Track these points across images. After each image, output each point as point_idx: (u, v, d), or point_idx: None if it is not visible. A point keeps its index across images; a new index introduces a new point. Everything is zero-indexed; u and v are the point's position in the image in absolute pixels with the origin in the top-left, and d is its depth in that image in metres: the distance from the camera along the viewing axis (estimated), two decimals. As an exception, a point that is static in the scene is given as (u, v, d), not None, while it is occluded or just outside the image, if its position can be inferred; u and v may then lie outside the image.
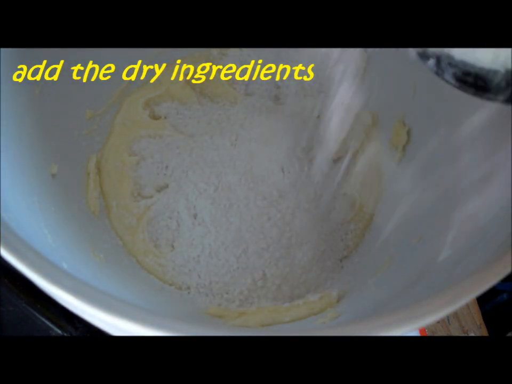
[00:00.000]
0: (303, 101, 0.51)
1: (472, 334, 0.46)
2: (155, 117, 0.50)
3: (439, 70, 0.25)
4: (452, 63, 0.24)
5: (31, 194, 0.35)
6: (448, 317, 0.47)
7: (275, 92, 0.53)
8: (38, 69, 0.38)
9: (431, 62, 0.25)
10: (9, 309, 0.37)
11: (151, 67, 0.50)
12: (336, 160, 0.49)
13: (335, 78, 0.43)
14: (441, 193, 0.39)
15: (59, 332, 0.37)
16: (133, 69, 0.49)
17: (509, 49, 0.22)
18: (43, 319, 0.37)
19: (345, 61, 0.42)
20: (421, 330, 0.46)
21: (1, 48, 0.34)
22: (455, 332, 0.46)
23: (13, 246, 0.24)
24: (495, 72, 0.23)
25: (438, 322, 0.47)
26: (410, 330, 0.22)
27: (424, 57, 0.26)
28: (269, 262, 0.44)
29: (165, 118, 0.50)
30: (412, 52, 0.26)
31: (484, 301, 0.51)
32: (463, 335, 0.46)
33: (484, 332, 0.47)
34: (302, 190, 0.47)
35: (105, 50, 0.45)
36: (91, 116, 0.46)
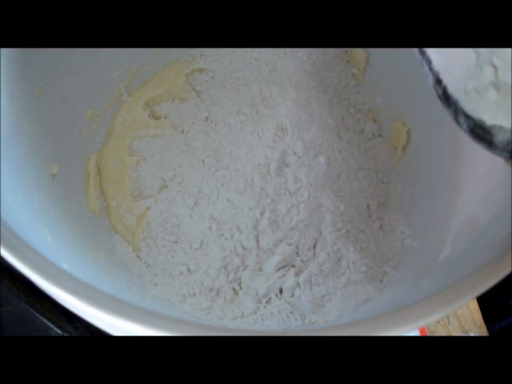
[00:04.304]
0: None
1: (472, 334, 0.46)
2: (155, 117, 0.50)
3: (456, 118, 0.26)
4: (467, 114, 0.25)
5: (31, 194, 0.35)
6: (448, 317, 0.47)
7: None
8: (38, 69, 0.38)
9: (451, 110, 0.26)
10: (9, 309, 0.37)
11: (151, 67, 0.51)
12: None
13: None
14: (441, 193, 0.39)
15: (59, 332, 0.37)
16: (132, 70, 0.49)
17: (507, 106, 0.23)
18: (43, 319, 0.37)
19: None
20: (421, 330, 0.46)
21: (1, 48, 0.34)
22: (455, 331, 0.46)
23: (13, 246, 0.24)
24: (500, 128, 0.23)
25: (438, 322, 0.47)
26: (410, 330, 0.22)
27: (445, 103, 0.26)
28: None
29: (165, 118, 0.50)
30: (438, 92, 0.26)
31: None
32: (463, 335, 0.46)
33: (483, 332, 0.47)
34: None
35: (105, 50, 0.45)
36: (91, 115, 0.46)
